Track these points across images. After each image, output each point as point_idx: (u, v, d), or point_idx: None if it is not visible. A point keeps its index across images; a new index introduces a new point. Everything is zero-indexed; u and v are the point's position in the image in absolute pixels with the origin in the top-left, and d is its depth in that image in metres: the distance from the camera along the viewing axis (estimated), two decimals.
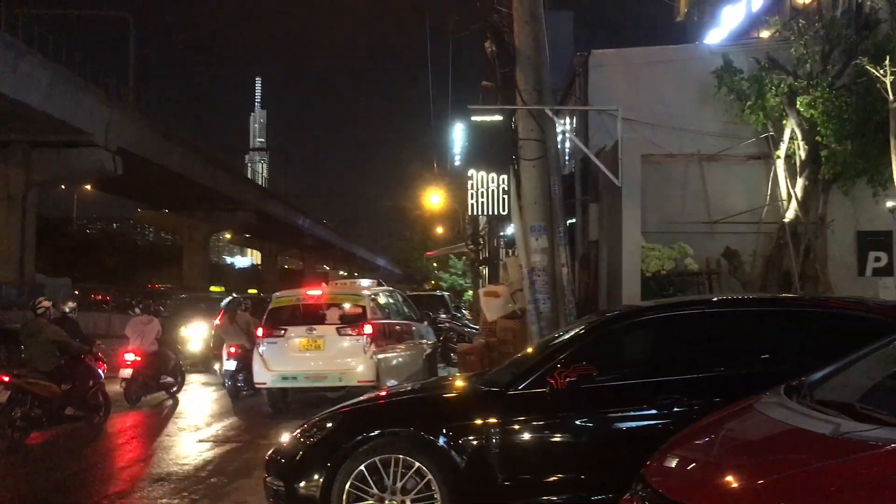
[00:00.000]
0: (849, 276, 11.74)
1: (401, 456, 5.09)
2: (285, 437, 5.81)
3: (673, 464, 3.41)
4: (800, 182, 11.55)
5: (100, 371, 10.76)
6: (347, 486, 5.08)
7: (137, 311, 14.86)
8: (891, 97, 9.82)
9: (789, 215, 11.66)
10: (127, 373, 12.62)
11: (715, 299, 7.26)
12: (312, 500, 5.13)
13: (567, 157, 15.11)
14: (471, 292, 33.09)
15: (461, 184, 22.61)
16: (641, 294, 10.67)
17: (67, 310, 11.55)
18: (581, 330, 5.81)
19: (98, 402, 10.59)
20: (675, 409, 4.96)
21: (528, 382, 5.18)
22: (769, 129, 11.89)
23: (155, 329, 13.34)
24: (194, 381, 15.51)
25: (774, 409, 3.52)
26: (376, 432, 5.24)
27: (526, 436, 5.11)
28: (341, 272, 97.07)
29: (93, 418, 10.44)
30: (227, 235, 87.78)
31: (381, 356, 11.36)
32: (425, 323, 15.08)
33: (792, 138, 11.57)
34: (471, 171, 12.56)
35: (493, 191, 12.27)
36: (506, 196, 11.94)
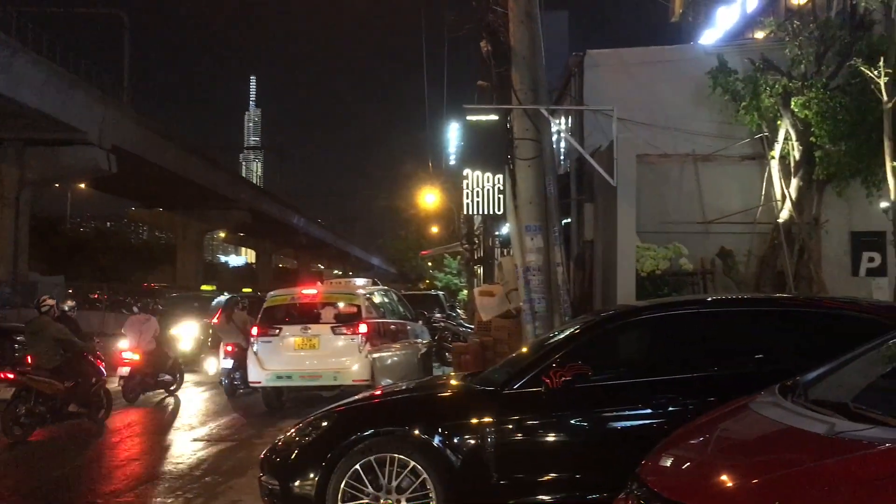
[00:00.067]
0: (842, 276, 11.76)
1: (396, 455, 5.09)
2: (280, 437, 5.80)
3: (668, 463, 3.42)
4: (794, 182, 11.58)
5: (102, 368, 10.87)
6: (342, 485, 5.08)
7: (135, 309, 14.99)
8: (885, 98, 9.85)
9: (783, 215, 11.69)
10: (125, 371, 12.80)
11: (709, 299, 7.27)
12: (307, 499, 5.13)
13: (562, 157, 15.11)
14: (466, 292, 33.10)
15: (456, 183, 22.66)
16: (636, 294, 10.68)
17: (67, 308, 11.59)
18: (576, 329, 5.82)
19: (100, 400, 10.69)
20: (670, 409, 4.98)
21: (524, 382, 5.19)
22: (764, 130, 11.92)
23: (153, 327, 13.54)
24: (187, 380, 15.49)
25: (769, 408, 3.53)
26: (371, 431, 5.24)
27: (521, 435, 5.12)
28: (336, 271, 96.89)
29: (95, 415, 10.54)
30: (222, 234, 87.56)
31: (375, 355, 11.33)
32: (420, 322, 15.08)
33: (786, 139, 11.60)
34: (466, 171, 12.59)
35: (488, 190, 12.30)
36: (501, 195, 11.97)
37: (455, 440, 5.09)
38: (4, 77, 28.56)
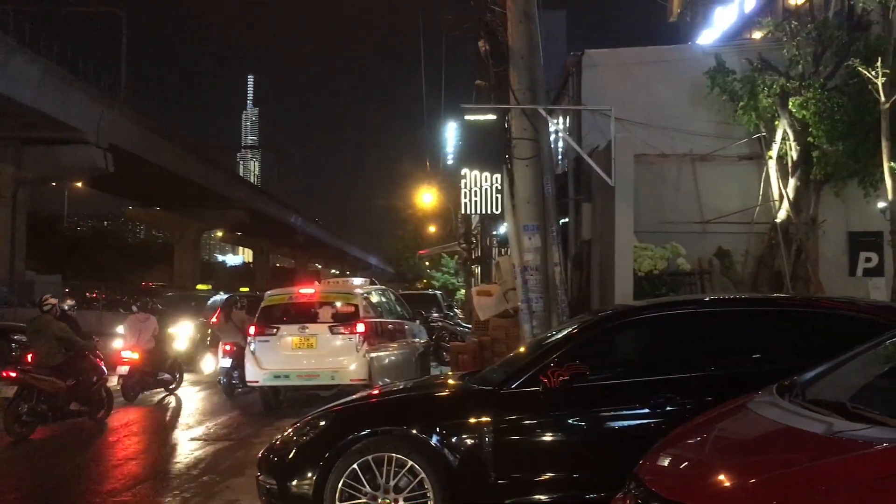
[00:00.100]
0: (840, 276, 11.79)
1: (394, 454, 5.09)
2: (278, 436, 5.80)
3: (666, 462, 3.42)
4: (791, 182, 11.59)
5: (103, 367, 10.94)
6: (340, 485, 5.08)
7: (135, 308, 15.05)
8: (882, 98, 9.86)
9: (781, 216, 11.70)
10: (124, 369, 12.89)
11: (707, 299, 7.28)
12: (305, 498, 5.13)
13: (560, 157, 15.12)
14: (463, 291, 33.10)
15: (454, 182, 22.65)
16: (634, 293, 10.69)
17: (66, 307, 11.62)
18: (574, 329, 5.82)
19: (101, 398, 10.76)
20: (668, 409, 4.98)
21: (522, 381, 5.19)
22: (761, 130, 11.93)
23: (152, 326, 13.62)
24: (184, 379, 15.47)
25: (767, 408, 3.53)
26: (369, 431, 5.24)
27: (519, 434, 5.12)
28: (333, 270, 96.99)
29: (95, 413, 10.60)
30: (219, 233, 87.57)
31: (373, 355, 11.32)
32: (418, 322, 15.08)
33: (784, 139, 11.61)
34: (464, 170, 12.58)
35: (486, 190, 12.30)
36: (499, 195, 11.96)
37: (453, 439, 5.09)
38: (1, 76, 28.52)
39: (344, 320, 11.65)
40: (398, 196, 47.46)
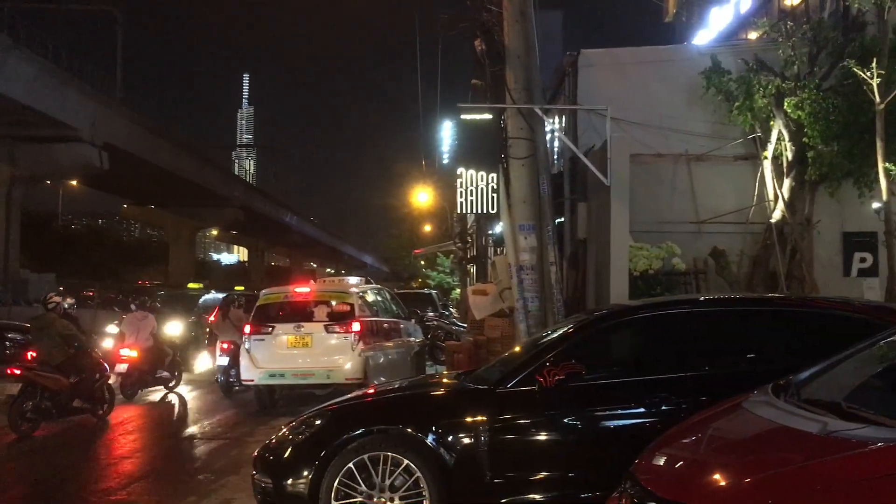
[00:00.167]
0: (834, 276, 11.81)
1: (389, 453, 5.08)
2: (274, 435, 5.79)
3: (661, 462, 3.43)
4: (786, 183, 11.62)
5: (105, 365, 11.00)
6: (336, 484, 5.07)
7: (133, 307, 15.08)
8: (877, 99, 9.90)
9: (776, 216, 11.73)
10: (122, 368, 12.91)
11: (702, 299, 7.28)
12: (300, 497, 5.13)
13: (556, 157, 15.13)
14: (458, 290, 33.10)
15: (449, 182, 22.62)
16: (629, 293, 10.70)
17: (67, 306, 11.61)
18: (569, 328, 5.83)
19: (103, 395, 10.81)
20: (663, 408, 4.98)
21: (517, 380, 5.19)
22: (756, 130, 11.96)
23: (150, 325, 13.70)
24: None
25: (762, 407, 3.54)
26: (364, 430, 5.23)
27: (514, 434, 5.12)
28: (328, 269, 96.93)
29: (97, 410, 10.65)
30: (214, 232, 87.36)
31: (368, 354, 11.34)
32: (413, 321, 15.07)
33: (779, 139, 11.64)
34: (460, 170, 12.55)
35: (482, 189, 12.27)
36: (495, 194, 11.95)
37: (448, 439, 5.09)
38: None
39: (339, 319, 11.63)
40: (394, 195, 47.48)
